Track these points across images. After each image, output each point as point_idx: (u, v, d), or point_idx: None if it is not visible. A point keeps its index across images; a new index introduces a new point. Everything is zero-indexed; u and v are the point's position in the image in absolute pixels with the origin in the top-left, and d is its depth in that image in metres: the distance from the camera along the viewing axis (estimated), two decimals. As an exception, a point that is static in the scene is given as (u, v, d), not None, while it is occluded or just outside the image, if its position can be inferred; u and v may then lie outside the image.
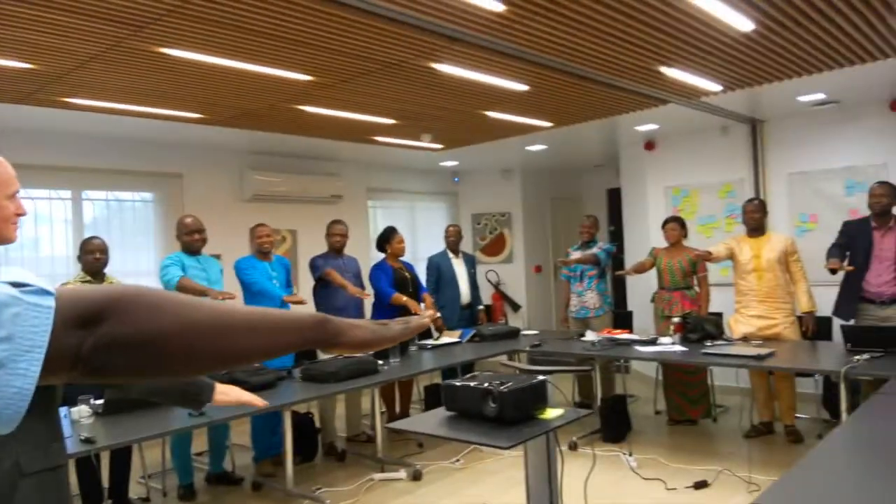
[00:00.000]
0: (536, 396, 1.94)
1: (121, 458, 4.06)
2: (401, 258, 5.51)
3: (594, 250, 5.81)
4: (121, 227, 5.66)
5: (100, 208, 5.59)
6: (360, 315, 5.21)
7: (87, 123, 4.79)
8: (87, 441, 2.93)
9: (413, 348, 4.99)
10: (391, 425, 2.96)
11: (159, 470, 4.59)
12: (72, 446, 2.89)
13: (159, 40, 2.97)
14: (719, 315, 5.29)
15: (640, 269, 5.49)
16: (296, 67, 3.44)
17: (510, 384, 1.89)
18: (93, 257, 3.97)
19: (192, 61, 3.26)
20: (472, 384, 1.91)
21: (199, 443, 4.77)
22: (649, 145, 6.65)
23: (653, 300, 5.61)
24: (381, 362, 4.38)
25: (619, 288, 7.83)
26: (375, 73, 3.60)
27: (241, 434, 4.92)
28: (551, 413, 1.96)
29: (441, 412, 2.05)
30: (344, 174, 7.02)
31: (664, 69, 3.80)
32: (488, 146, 6.36)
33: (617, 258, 6.78)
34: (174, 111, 4.34)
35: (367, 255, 6.42)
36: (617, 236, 7.95)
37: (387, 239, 5.39)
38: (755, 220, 4.89)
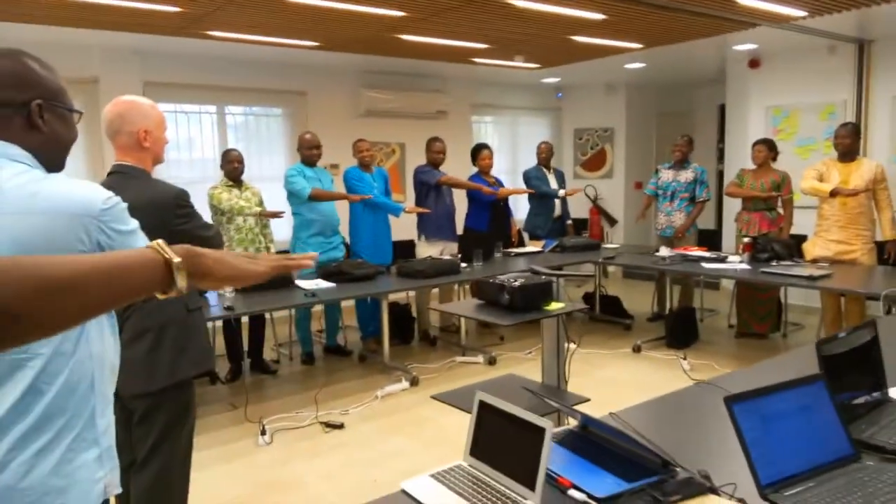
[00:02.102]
0: (543, 292, 2.49)
1: (257, 328, 5.11)
2: (492, 173, 6.06)
3: (688, 175, 5.99)
4: (257, 138, 6.61)
5: (239, 121, 6.54)
6: (453, 216, 5.84)
7: (227, 49, 5.62)
8: (229, 308, 3.85)
9: (498, 255, 5.60)
10: (435, 307, 3.66)
11: (287, 341, 5.67)
12: (217, 312, 3.84)
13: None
14: (803, 237, 5.42)
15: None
16: (389, 5, 3.98)
17: (522, 281, 2.46)
18: (231, 166, 4.86)
19: (306, 5, 3.90)
20: (492, 280, 2.51)
21: (319, 323, 5.78)
22: (753, 63, 6.57)
23: (736, 220, 5.81)
24: (464, 265, 5.05)
25: (718, 206, 7.92)
26: (458, 9, 4.06)
27: (351, 317, 5.86)
28: (555, 305, 2.52)
29: (475, 301, 2.68)
30: (449, 91, 7.53)
31: (737, -1, 3.94)
32: (589, 63, 6.56)
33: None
34: (296, 40, 5.06)
35: (469, 169, 6.99)
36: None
37: (474, 155, 5.95)
38: (846, 146, 4.88)
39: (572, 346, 5.45)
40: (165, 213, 2.17)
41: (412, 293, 5.93)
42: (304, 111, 6.73)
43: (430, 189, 5.57)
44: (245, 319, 5.02)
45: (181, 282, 0.90)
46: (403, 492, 1.57)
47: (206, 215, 4.83)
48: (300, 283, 4.50)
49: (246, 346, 5.12)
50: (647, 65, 6.88)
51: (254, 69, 6.29)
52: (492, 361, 5.12)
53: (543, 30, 4.78)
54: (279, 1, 3.83)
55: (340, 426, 3.95)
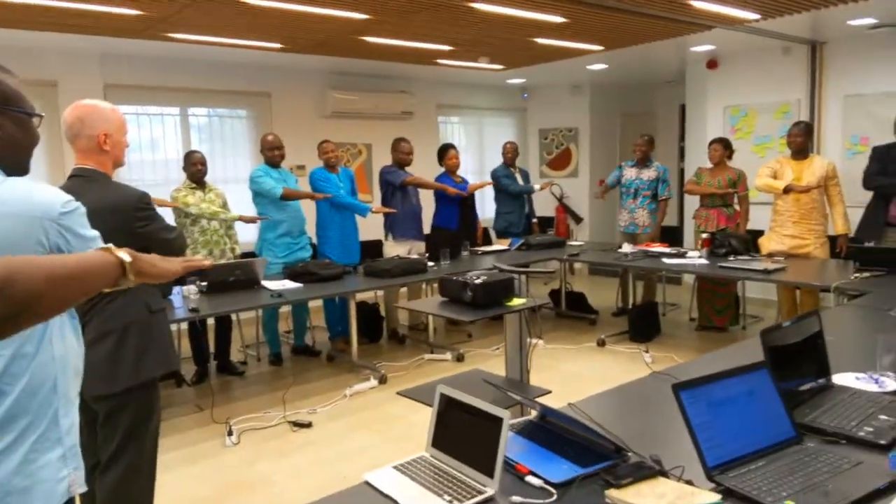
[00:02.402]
0: (505, 289, 2.55)
1: (223, 329, 5.09)
2: (458, 173, 6.12)
3: (651, 173, 6.12)
4: (221, 140, 6.57)
5: (203, 123, 6.49)
6: (420, 215, 5.90)
7: (190, 51, 5.58)
8: (193, 310, 3.84)
9: (465, 253, 5.66)
10: (400, 305, 3.73)
11: (254, 342, 5.65)
12: (182, 314, 3.83)
13: (239, -9, 3.63)
14: (760, 233, 5.59)
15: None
16: (354, 8, 4.01)
17: (484, 279, 2.52)
18: (195, 168, 4.83)
19: (267, 7, 3.90)
20: (455, 278, 2.56)
21: (287, 324, 5.78)
22: (711, 64, 6.75)
23: (694, 217, 5.96)
24: (431, 263, 5.10)
25: (680, 203, 8.10)
26: (421, 12, 4.11)
27: (319, 317, 5.87)
28: (517, 301, 2.58)
29: (439, 298, 2.73)
30: (415, 91, 7.57)
31: (692, 2, 4.06)
32: (553, 65, 6.67)
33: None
34: (259, 42, 5.05)
35: (437, 170, 7.04)
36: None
37: (441, 155, 6.01)
38: (798, 144, 5.05)
39: (538, 341, 5.55)
40: (127, 215, 2.18)
41: (380, 293, 5.96)
42: (269, 112, 6.71)
43: (396, 189, 5.61)
44: (211, 321, 5.00)
45: (132, 277, 1.16)
46: (367, 483, 1.61)
47: (170, 217, 4.80)
48: (266, 283, 4.50)
49: (213, 348, 5.10)
50: (609, 66, 7.01)
51: (217, 70, 6.25)
52: (460, 358, 5.18)
53: (505, 32, 4.85)
54: (241, 3, 3.83)
55: (308, 425, 3.97)
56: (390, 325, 5.91)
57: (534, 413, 2.01)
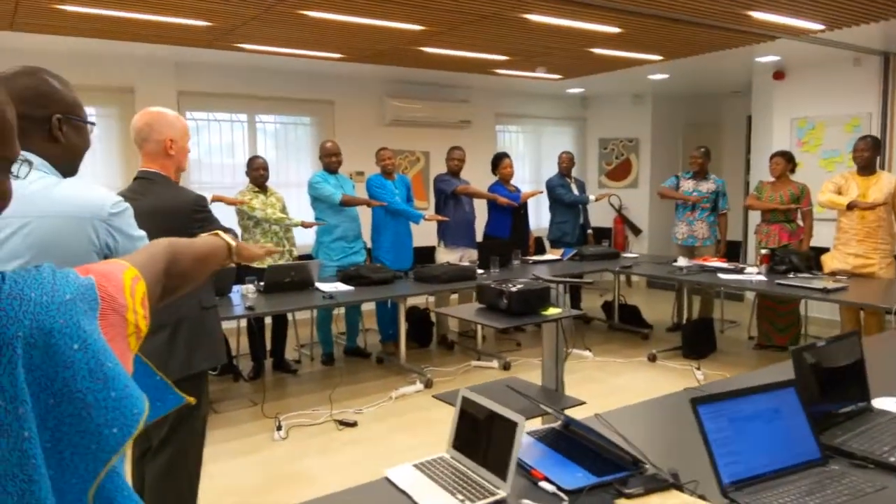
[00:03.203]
0: (540, 298, 2.58)
1: (279, 328, 5.29)
2: (513, 182, 6.17)
3: (710, 185, 6.00)
4: (286, 146, 6.83)
5: (269, 129, 6.76)
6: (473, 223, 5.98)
7: (258, 60, 5.84)
8: (250, 308, 4.02)
9: (516, 262, 5.69)
10: (440, 310, 3.79)
11: (309, 342, 5.84)
12: (240, 312, 4.02)
13: (299, 4, 3.79)
14: (824, 250, 5.38)
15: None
16: (409, 20, 4.13)
17: (520, 287, 2.56)
18: (257, 173, 5.05)
19: (327, 19, 4.07)
20: (492, 285, 2.61)
21: (341, 326, 5.94)
22: (778, 75, 6.55)
23: (755, 232, 5.80)
24: (481, 271, 5.15)
25: (744, 217, 7.87)
26: (476, 23, 4.19)
27: (372, 321, 6.01)
28: (552, 311, 2.61)
29: (476, 305, 2.79)
30: (473, 100, 7.65)
31: (752, 13, 3.98)
32: (613, 74, 6.62)
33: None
34: (320, 52, 5.24)
35: (492, 178, 7.10)
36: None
37: (495, 164, 6.06)
38: (864, 159, 4.86)
39: (587, 353, 5.51)
40: (184, 216, 2.32)
41: (432, 298, 6.05)
42: (331, 120, 6.92)
43: (449, 197, 5.69)
44: (268, 321, 5.21)
45: (234, 258, 1.46)
46: (386, 479, 1.68)
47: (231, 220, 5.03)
48: (320, 285, 4.66)
49: (269, 346, 5.30)
50: (671, 76, 6.90)
51: (283, 79, 6.51)
52: (507, 366, 5.21)
53: (561, 42, 4.87)
54: (301, 16, 4.01)
55: (354, 424, 4.08)
56: (440, 331, 5.99)
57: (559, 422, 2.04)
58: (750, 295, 7.08)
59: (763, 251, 5.13)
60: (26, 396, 0.58)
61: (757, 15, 4.01)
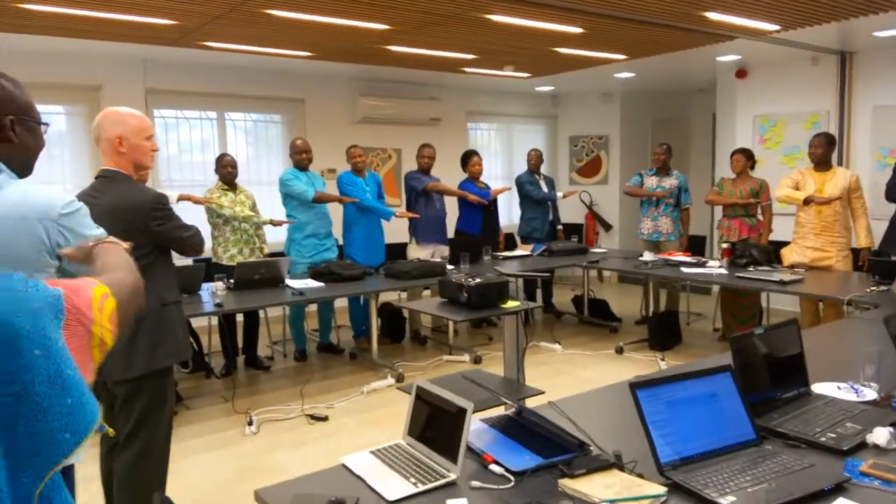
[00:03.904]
0: (499, 291, 2.66)
1: (251, 325, 5.31)
2: (483, 179, 6.25)
3: (672, 181, 6.13)
4: (256, 143, 6.84)
5: (239, 126, 6.76)
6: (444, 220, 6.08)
7: (227, 58, 5.84)
8: (219, 305, 4.05)
9: (486, 257, 5.77)
10: (402, 304, 3.86)
11: (282, 339, 5.87)
12: (209, 308, 4.05)
13: (263, 4, 3.83)
14: (784, 244, 5.54)
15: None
16: (374, 19, 4.19)
17: (479, 281, 2.64)
18: (225, 171, 5.07)
19: (293, 19, 4.11)
20: (453, 279, 2.69)
21: (314, 322, 5.98)
22: (741, 73, 6.72)
23: (717, 227, 5.95)
24: (451, 267, 5.23)
25: (711, 212, 8.05)
26: (440, 23, 4.26)
27: (345, 317, 6.05)
28: (511, 304, 2.69)
29: (439, 299, 2.87)
30: (444, 98, 7.72)
31: (709, 14, 4.10)
32: (582, 72, 6.73)
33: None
34: (288, 51, 5.28)
35: (463, 175, 7.18)
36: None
37: (464, 162, 6.14)
38: (818, 155, 5.01)
39: (557, 346, 5.62)
40: (143, 214, 2.35)
41: (404, 294, 6.11)
42: (301, 118, 6.94)
43: (420, 194, 5.76)
44: (240, 318, 5.24)
45: None
46: (343, 465, 1.75)
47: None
48: (290, 282, 4.69)
49: (241, 343, 5.32)
50: (637, 74, 7.04)
51: (253, 77, 6.52)
52: (477, 360, 5.29)
53: (526, 42, 4.96)
54: (267, 15, 4.04)
55: (325, 419, 4.14)
56: (413, 327, 6.06)
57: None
58: (716, 288, 7.26)
59: (724, 245, 5.28)
60: None
61: (713, 16, 4.13)
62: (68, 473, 1.51)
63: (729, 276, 4.88)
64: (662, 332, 5.65)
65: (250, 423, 4.00)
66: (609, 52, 5.47)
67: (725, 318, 5.81)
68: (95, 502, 2.70)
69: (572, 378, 4.92)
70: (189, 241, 2.49)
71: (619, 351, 5.52)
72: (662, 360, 5.18)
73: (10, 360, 0.63)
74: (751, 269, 4.98)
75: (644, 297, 6.62)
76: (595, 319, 6.52)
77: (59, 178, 5.64)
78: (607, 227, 8.86)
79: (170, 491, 2.64)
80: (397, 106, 7.30)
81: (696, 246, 6.45)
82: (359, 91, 7.15)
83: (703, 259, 5.46)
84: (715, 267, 5.15)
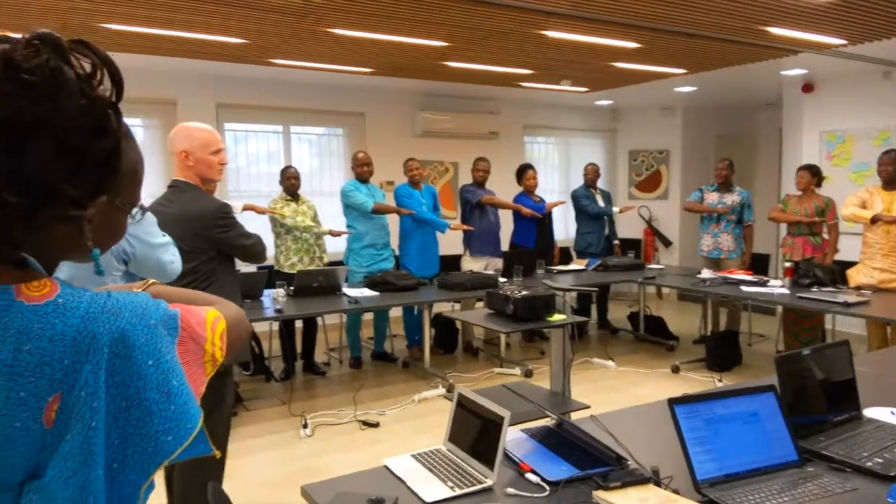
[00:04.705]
0: (546, 304, 2.70)
1: (309, 332, 5.49)
2: (539, 192, 6.28)
3: (735, 197, 6.01)
4: (319, 156, 7.07)
5: (303, 140, 7.01)
6: (498, 232, 6.11)
7: (293, 74, 6.08)
8: (278, 311, 4.22)
9: (540, 271, 5.79)
10: (451, 315, 3.92)
11: (338, 346, 6.03)
12: (270, 314, 4.22)
13: (327, 24, 4.00)
14: (850, 264, 5.35)
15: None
16: (431, 37, 4.30)
17: (526, 293, 2.68)
18: (289, 182, 5.28)
19: (353, 37, 4.27)
20: (500, 291, 2.74)
21: (368, 331, 6.12)
22: (807, 87, 6.53)
23: (781, 245, 5.79)
24: (503, 279, 5.27)
25: (778, 230, 7.81)
26: (495, 39, 4.34)
27: (400, 327, 6.17)
28: (557, 317, 2.72)
29: (486, 310, 2.92)
30: (502, 112, 7.79)
31: (770, 29, 4.04)
32: (641, 86, 6.68)
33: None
34: (350, 67, 5.47)
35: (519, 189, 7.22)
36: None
37: (519, 175, 6.18)
38: (888, 173, 4.83)
39: (610, 363, 5.57)
40: (207, 223, 2.50)
41: (458, 305, 6.18)
42: (363, 131, 7.14)
43: (474, 207, 5.84)
44: (299, 324, 5.42)
45: None
46: (385, 467, 1.83)
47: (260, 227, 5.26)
48: (346, 290, 4.84)
49: (300, 349, 5.51)
50: (698, 88, 6.93)
51: (317, 92, 6.75)
52: (528, 374, 5.30)
53: (582, 56, 4.98)
54: (328, 33, 4.22)
55: (376, 425, 4.24)
56: (465, 338, 6.12)
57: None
58: (780, 308, 7.02)
59: (787, 264, 5.13)
60: (102, 394, 0.71)
61: (775, 31, 4.06)
62: None
63: (791, 296, 4.74)
64: (721, 352, 5.52)
65: (305, 426, 4.14)
66: (667, 66, 5.43)
67: (787, 340, 5.63)
68: (157, 494, 2.86)
69: (623, 395, 4.87)
70: (251, 248, 2.63)
71: (675, 370, 5.42)
72: (720, 380, 5.06)
73: (127, 367, 0.73)
74: (814, 289, 4.83)
75: (703, 316, 6.48)
76: (651, 337, 6.42)
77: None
78: (667, 243, 8.71)
79: (226, 486, 2.77)
80: (456, 120, 7.42)
81: (759, 264, 6.28)
82: (418, 105, 7.30)
83: (765, 278, 5.32)
84: (776, 286, 5.01)
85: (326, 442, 4.01)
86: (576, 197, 6.57)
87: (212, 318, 0.90)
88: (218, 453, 0.90)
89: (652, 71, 5.61)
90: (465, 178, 7.13)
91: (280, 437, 4.09)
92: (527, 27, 4.05)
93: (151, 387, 0.74)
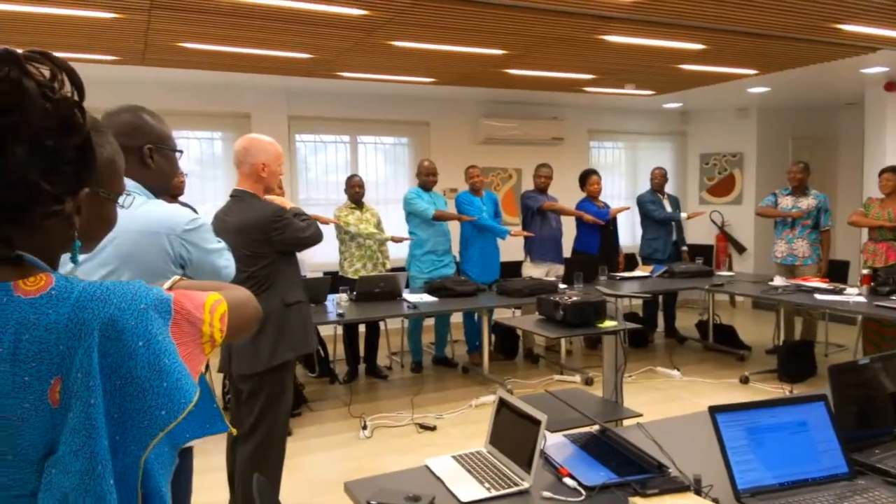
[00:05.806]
0: (596, 310, 2.68)
1: (372, 336, 5.63)
2: (604, 198, 6.21)
3: (810, 202, 5.76)
4: (385, 164, 7.24)
5: (370, 149, 7.19)
6: (559, 239, 6.08)
7: (360, 86, 6.26)
8: (340, 315, 4.36)
9: (602, 277, 5.72)
10: (502, 320, 3.93)
11: (400, 350, 6.15)
12: (332, 318, 4.37)
13: (385, 36, 4.12)
14: (937, 271, 5.04)
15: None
16: (489, 45, 4.35)
17: (576, 299, 2.67)
18: (353, 190, 5.44)
19: (412, 48, 4.38)
20: (549, 297, 2.74)
21: (430, 336, 6.21)
22: (890, 86, 6.18)
23: (862, 251, 5.51)
24: (563, 286, 5.24)
25: (853, 237, 7.41)
26: (554, 45, 4.34)
27: (460, 332, 6.22)
28: (608, 323, 2.70)
29: (538, 316, 2.93)
30: (566, 117, 7.74)
31: (842, 26, 3.87)
32: (712, 88, 6.49)
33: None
34: (412, 77, 5.58)
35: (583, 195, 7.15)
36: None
37: (583, 181, 6.13)
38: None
39: (675, 372, 5.44)
40: (265, 227, 2.64)
41: (518, 312, 6.18)
42: (427, 140, 7.26)
43: (536, 213, 5.83)
44: (362, 329, 5.56)
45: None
46: (426, 466, 1.88)
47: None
48: (407, 296, 4.94)
49: (363, 353, 5.65)
50: (772, 89, 6.68)
51: (382, 102, 6.92)
52: (589, 382, 5.24)
53: (645, 59, 4.91)
54: (390, 46, 4.33)
55: (433, 428, 4.30)
56: (526, 345, 6.11)
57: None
58: (860, 318, 6.65)
59: (864, 271, 4.88)
60: (97, 374, 0.78)
61: (848, 28, 3.89)
62: (186, 456, 1.74)
63: (868, 304, 4.51)
64: (793, 362, 5.29)
65: (364, 428, 4.25)
66: (737, 66, 5.27)
67: (868, 350, 5.34)
68: (221, 489, 3.02)
69: (686, 405, 4.74)
70: (308, 240, 2.75)
71: (745, 381, 5.23)
72: (790, 392, 4.85)
73: (118, 349, 0.81)
74: (894, 297, 4.58)
75: (777, 325, 6.23)
76: (721, 346, 6.21)
77: (211, 196, 6.30)
78: (741, 249, 8.40)
79: (284, 483, 2.90)
80: (520, 126, 7.43)
81: (837, 271, 5.98)
82: (482, 113, 7.36)
83: (841, 286, 5.07)
84: (853, 294, 4.77)
85: (384, 443, 4.11)
86: (641, 202, 6.46)
87: (211, 301, 0.95)
88: (234, 430, 0.95)
89: (721, 72, 5.46)
90: (529, 185, 7.11)
91: (340, 438, 4.21)
92: (584, 33, 4.04)
93: (142, 365, 0.81)
